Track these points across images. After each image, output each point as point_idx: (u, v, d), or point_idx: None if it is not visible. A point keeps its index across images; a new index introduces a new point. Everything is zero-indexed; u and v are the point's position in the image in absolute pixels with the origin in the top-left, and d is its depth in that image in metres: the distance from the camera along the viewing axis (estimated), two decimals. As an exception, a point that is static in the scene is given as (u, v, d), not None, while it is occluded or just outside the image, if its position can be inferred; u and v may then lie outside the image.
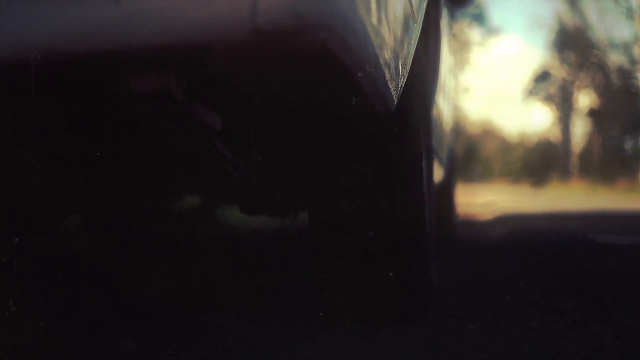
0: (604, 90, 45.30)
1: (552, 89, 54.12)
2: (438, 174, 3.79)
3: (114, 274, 2.67)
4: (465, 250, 4.26)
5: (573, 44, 43.22)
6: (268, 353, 1.70)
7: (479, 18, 43.39)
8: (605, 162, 45.61)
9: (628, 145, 47.19)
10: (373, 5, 1.22)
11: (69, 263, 2.85)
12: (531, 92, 55.69)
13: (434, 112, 2.86)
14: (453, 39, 5.12)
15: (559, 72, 52.90)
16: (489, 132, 79.64)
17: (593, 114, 46.73)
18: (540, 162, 60.55)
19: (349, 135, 1.71)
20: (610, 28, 60.77)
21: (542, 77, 53.59)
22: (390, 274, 1.86)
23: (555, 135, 58.86)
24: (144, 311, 2.07)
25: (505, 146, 75.04)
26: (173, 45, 1.06)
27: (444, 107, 3.88)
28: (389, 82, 1.41)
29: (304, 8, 1.03)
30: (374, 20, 1.24)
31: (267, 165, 1.77)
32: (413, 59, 1.69)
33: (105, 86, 1.20)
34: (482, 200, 12.67)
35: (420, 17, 1.76)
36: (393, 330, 1.81)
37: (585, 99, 51.67)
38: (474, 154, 67.40)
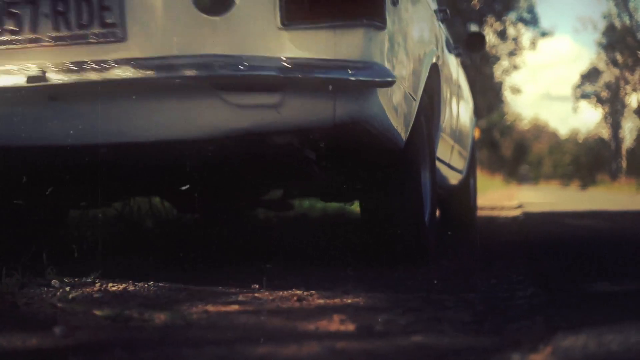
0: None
1: (601, 88, 53.69)
2: (452, 178, 5.34)
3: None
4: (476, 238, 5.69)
5: (622, 43, 42.84)
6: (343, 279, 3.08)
7: (531, 22, 43.40)
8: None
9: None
10: (388, 106, 2.82)
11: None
12: (581, 92, 55.36)
13: (443, 135, 4.44)
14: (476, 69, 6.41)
15: (608, 71, 52.50)
16: (540, 131, 79.44)
17: (642, 112, 46.05)
18: (590, 161, 59.84)
19: (374, 159, 3.20)
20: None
21: (591, 76, 53.21)
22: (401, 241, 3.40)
23: (604, 134, 58.34)
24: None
25: (556, 146, 74.72)
26: (306, 128, 2.68)
27: (458, 131, 5.34)
28: (400, 136, 3.05)
29: (354, 114, 2.63)
30: (390, 113, 2.86)
31: (336, 177, 3.30)
32: (417, 113, 3.32)
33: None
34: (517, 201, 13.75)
35: (418, 94, 3.35)
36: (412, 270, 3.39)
37: (634, 98, 51.21)
38: (525, 156, 67.25)
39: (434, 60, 3.77)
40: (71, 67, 2.62)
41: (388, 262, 3.47)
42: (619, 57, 50.31)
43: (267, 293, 2.67)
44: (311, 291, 2.68)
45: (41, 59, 2.67)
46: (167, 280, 2.88)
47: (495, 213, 9.67)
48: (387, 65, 2.76)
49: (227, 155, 2.87)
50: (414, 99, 3.27)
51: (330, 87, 2.55)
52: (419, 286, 2.91)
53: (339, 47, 2.57)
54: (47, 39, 2.67)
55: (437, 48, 4.06)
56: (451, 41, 5.25)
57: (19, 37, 2.69)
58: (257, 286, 2.79)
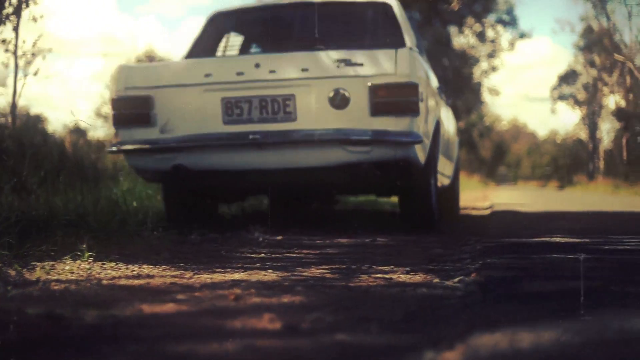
0: (631, 90, 44.96)
1: (579, 90, 53.92)
2: (444, 183, 7.41)
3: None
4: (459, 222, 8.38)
5: (599, 45, 43.06)
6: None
7: (510, 23, 43.52)
8: (630, 163, 45.19)
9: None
10: (418, 149, 5.22)
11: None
12: (558, 93, 55.57)
13: (440, 156, 6.55)
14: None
15: (585, 73, 52.72)
16: (519, 132, 79.76)
17: (619, 114, 46.26)
18: (568, 162, 60.15)
19: (404, 170, 5.43)
20: (636, 30, 60.46)
21: (569, 78, 53.44)
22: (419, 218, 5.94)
23: (582, 135, 58.61)
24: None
25: (535, 147, 75.05)
26: (380, 161, 5.27)
27: (448, 150, 7.64)
28: (421, 161, 5.40)
29: (403, 155, 5.20)
30: (421, 153, 5.34)
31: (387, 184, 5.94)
32: (429, 149, 5.72)
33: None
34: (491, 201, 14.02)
35: (430, 138, 5.68)
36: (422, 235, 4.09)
37: (611, 100, 51.49)
38: (504, 156, 67.53)
39: (437, 120, 6.19)
40: (262, 134, 5.13)
41: (414, 229, 5.80)
42: (596, 59, 50.55)
43: (207, 292, 2.70)
44: (251, 290, 2.71)
45: (250, 128, 5.18)
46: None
47: (467, 212, 10.05)
48: (420, 132, 5.19)
49: (335, 175, 5.37)
50: (428, 142, 5.63)
51: (395, 141, 5.08)
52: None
53: (397, 125, 5.08)
54: (256, 119, 5.19)
55: (439, 111, 6.45)
56: (445, 97, 7.62)
57: (243, 118, 5.21)
58: (198, 284, 2.84)
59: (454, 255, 4.01)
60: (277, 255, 4.02)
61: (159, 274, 3.19)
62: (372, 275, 3.15)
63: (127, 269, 3.36)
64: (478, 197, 19.53)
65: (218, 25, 6.70)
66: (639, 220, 8.38)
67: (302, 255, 4.07)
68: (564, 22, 65.09)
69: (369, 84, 5.06)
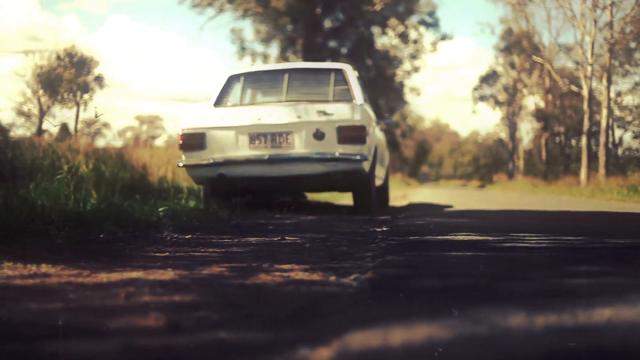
0: (550, 91, 45.78)
1: (499, 91, 54.70)
2: (379, 183, 10.32)
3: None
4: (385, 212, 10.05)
5: (518, 47, 43.69)
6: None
7: (432, 25, 43.82)
8: (549, 161, 46.08)
9: (572, 144, 47.74)
10: (365, 164, 8.48)
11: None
12: (479, 94, 56.27)
13: (377, 165, 9.68)
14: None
15: (506, 74, 53.54)
16: (442, 132, 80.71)
17: (538, 114, 47.07)
18: (488, 162, 61.01)
19: (359, 178, 8.71)
20: (555, 32, 61.45)
21: (489, 79, 54.18)
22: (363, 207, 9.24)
23: (502, 135, 59.54)
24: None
25: (456, 146, 75.98)
26: (344, 171, 8.50)
27: (382, 161, 10.75)
28: (366, 170, 8.62)
29: (356, 167, 8.40)
30: (366, 165, 8.59)
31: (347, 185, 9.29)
32: (371, 162, 9.01)
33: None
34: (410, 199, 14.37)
35: (371, 156, 8.91)
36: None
37: (530, 100, 52.41)
38: (426, 156, 68.28)
39: (375, 144, 9.34)
40: (273, 155, 8.34)
41: (361, 213, 8.75)
42: (516, 61, 51.36)
43: (100, 291, 2.68)
44: (144, 288, 2.70)
45: (265, 152, 8.42)
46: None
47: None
48: (366, 153, 8.38)
49: (313, 182, 8.80)
50: (370, 158, 8.70)
51: (351, 160, 8.29)
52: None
53: (353, 150, 8.27)
54: (269, 146, 8.42)
55: (376, 138, 9.64)
56: (379, 125, 10.85)
57: (261, 145, 8.45)
58: (93, 283, 2.82)
59: (357, 253, 4.06)
60: (181, 254, 4.01)
61: (56, 274, 3.15)
62: (271, 273, 3.16)
63: (25, 268, 3.30)
64: (397, 196, 19.73)
65: (232, 82, 9.75)
66: (546, 218, 8.54)
67: (207, 254, 4.06)
68: (484, 24, 66.01)
69: (337, 125, 8.38)
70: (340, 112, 8.44)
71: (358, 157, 8.28)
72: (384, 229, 6.17)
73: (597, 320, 2.07)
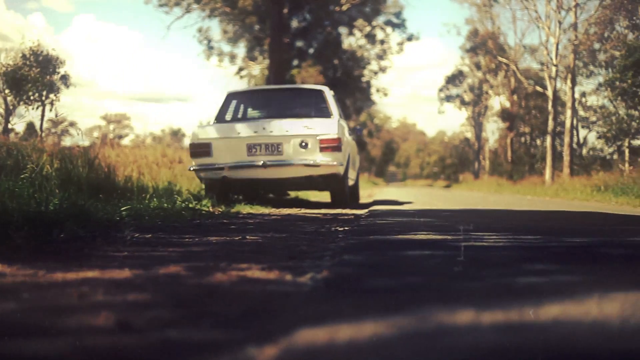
0: (515, 92, 46.09)
1: (465, 91, 55.02)
2: (351, 183, 12.41)
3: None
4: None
5: (484, 48, 43.94)
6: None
7: (399, 26, 43.93)
8: (514, 161, 46.40)
9: (537, 144, 48.11)
10: (341, 168, 10.63)
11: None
12: (446, 94, 56.58)
13: (350, 168, 11.70)
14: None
15: (472, 74, 53.86)
16: (409, 132, 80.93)
17: (504, 114, 47.36)
18: (454, 161, 61.32)
19: (335, 179, 10.90)
20: (520, 33, 61.76)
21: (455, 79, 54.47)
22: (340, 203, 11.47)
23: (468, 135, 59.88)
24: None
25: (423, 146, 76.23)
26: (324, 174, 10.79)
27: (353, 164, 12.80)
28: (341, 173, 10.75)
29: (334, 171, 10.54)
30: (342, 170, 10.70)
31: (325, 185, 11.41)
32: (345, 166, 11.08)
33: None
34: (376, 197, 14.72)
35: (345, 161, 11.00)
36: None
37: (496, 101, 52.81)
38: (393, 156, 68.41)
39: (349, 152, 11.35)
40: (267, 162, 10.37)
41: (337, 207, 10.76)
42: (482, 61, 51.65)
43: (54, 290, 2.67)
44: (98, 288, 2.69)
45: (260, 158, 10.48)
46: None
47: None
48: (341, 160, 10.49)
49: (299, 182, 10.96)
50: (345, 163, 10.78)
51: (329, 165, 10.38)
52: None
53: (331, 157, 10.37)
54: (264, 154, 10.46)
55: (349, 146, 11.65)
56: (352, 134, 13.11)
57: (257, 154, 10.50)
58: (48, 283, 2.81)
59: (316, 252, 4.07)
60: (141, 254, 4.00)
61: (12, 273, 3.12)
62: (227, 273, 3.16)
63: (-20, 268, 3.28)
64: (363, 195, 19.79)
65: (230, 99, 12.00)
66: (507, 218, 8.60)
67: (166, 253, 4.04)
68: (450, 24, 66.47)
69: (318, 137, 10.42)
70: (321, 126, 10.54)
71: (335, 163, 10.35)
72: (346, 228, 6.19)
73: (544, 317, 2.09)
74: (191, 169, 10.86)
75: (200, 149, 10.65)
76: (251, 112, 12.05)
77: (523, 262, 3.54)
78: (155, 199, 9.09)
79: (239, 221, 7.15)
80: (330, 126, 10.53)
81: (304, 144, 10.33)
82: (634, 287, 2.73)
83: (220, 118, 11.59)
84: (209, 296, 2.60)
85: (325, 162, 10.26)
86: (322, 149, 10.32)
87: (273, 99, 12.03)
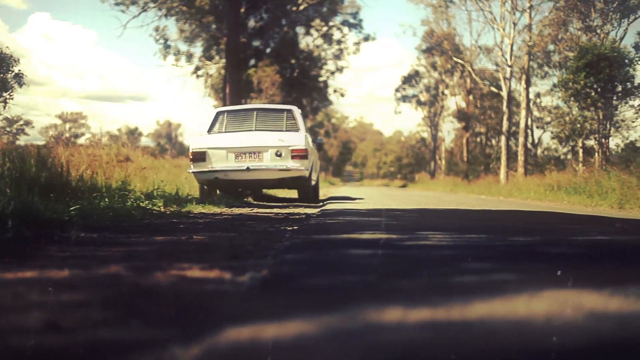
0: (471, 92, 46.41)
1: (421, 92, 55.30)
2: (314, 183, 14.36)
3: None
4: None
5: (440, 49, 44.18)
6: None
7: (355, 26, 43.97)
8: (470, 161, 46.74)
9: (492, 144, 48.48)
10: (308, 172, 12.82)
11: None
12: (402, 94, 56.78)
13: (313, 172, 13.93)
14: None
15: (428, 74, 54.15)
16: (366, 131, 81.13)
17: (460, 114, 47.68)
18: (411, 161, 61.56)
19: (303, 179, 13.00)
20: (476, 34, 62.34)
21: (412, 79, 54.70)
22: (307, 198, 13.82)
23: (425, 134, 60.21)
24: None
25: (380, 146, 76.44)
26: (294, 177, 12.82)
27: (316, 168, 14.93)
28: (308, 175, 12.90)
29: (302, 174, 12.63)
30: (307, 173, 12.83)
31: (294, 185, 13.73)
32: (310, 170, 13.23)
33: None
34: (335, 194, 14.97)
35: (310, 166, 13.21)
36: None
37: (452, 101, 53.15)
38: (350, 155, 68.53)
39: (313, 159, 13.71)
40: (251, 166, 12.42)
41: (303, 205, 12.92)
42: (438, 62, 51.92)
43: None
44: (35, 288, 2.68)
45: (245, 164, 12.55)
46: None
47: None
48: (307, 166, 12.63)
49: (275, 183, 13.07)
50: (310, 168, 12.95)
51: (298, 170, 12.48)
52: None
53: (299, 163, 12.47)
54: (248, 160, 12.56)
55: (314, 154, 14.01)
56: (314, 141, 15.04)
57: (243, 160, 12.57)
58: None
59: (260, 252, 4.07)
60: (84, 254, 3.97)
61: (-51, 274, 3.10)
62: (167, 272, 3.15)
63: None
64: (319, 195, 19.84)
65: (218, 115, 14.07)
66: (456, 217, 8.66)
67: (109, 253, 4.02)
68: (407, 25, 66.74)
69: (290, 148, 12.47)
70: (292, 139, 12.83)
71: (302, 168, 12.63)
72: (295, 227, 6.20)
73: (470, 315, 2.12)
74: (190, 171, 13.20)
75: (197, 156, 12.88)
76: (235, 126, 14.00)
77: (462, 261, 3.57)
78: (106, 199, 9.02)
79: (190, 221, 7.12)
80: (299, 139, 12.87)
81: (279, 153, 12.63)
82: (565, 285, 2.77)
83: (211, 130, 13.85)
84: (145, 296, 2.60)
85: (295, 167, 12.57)
86: (293, 157, 12.63)
87: (253, 116, 14.13)
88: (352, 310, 2.16)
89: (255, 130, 13.61)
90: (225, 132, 13.80)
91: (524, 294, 2.51)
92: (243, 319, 2.09)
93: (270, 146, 12.72)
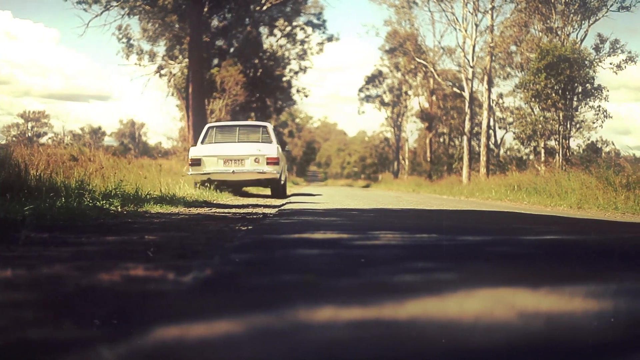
0: (434, 93, 46.63)
1: (384, 92, 55.41)
2: (283, 183, 18.43)
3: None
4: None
5: (403, 49, 44.28)
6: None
7: (318, 26, 43.99)
8: (433, 161, 46.96)
9: (455, 144, 48.77)
10: (279, 174, 17.10)
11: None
12: (365, 94, 56.87)
13: (282, 174, 18.31)
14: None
15: (391, 75, 54.28)
16: (330, 131, 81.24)
17: (423, 115, 47.87)
18: (374, 161, 61.69)
19: (274, 181, 17.33)
20: (439, 35, 62.39)
21: (375, 79, 54.77)
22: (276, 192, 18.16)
23: (389, 135, 60.34)
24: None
25: (344, 146, 76.57)
26: (269, 178, 17.12)
27: (285, 170, 19.85)
28: (279, 177, 17.12)
29: (275, 176, 16.84)
30: (278, 175, 17.02)
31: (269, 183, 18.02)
32: (280, 172, 17.52)
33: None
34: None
35: (281, 169, 17.87)
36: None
37: (416, 101, 53.34)
38: (314, 155, 68.59)
39: (284, 164, 18.89)
40: (235, 170, 16.58)
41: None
42: (401, 62, 52.05)
43: None
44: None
45: (231, 168, 16.68)
46: None
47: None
48: (279, 170, 16.89)
49: (254, 182, 17.29)
50: (281, 171, 17.53)
51: (272, 173, 16.66)
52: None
53: (272, 168, 16.54)
54: (233, 165, 16.76)
55: (283, 160, 18.61)
56: (284, 149, 19.54)
57: (230, 164, 16.76)
58: None
59: (209, 252, 4.06)
60: (31, 254, 3.94)
61: None
62: (112, 272, 3.14)
63: None
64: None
65: (209, 129, 17.83)
66: (412, 217, 8.71)
67: (57, 253, 3.98)
68: (369, 25, 66.80)
69: (265, 156, 16.50)
70: (267, 150, 16.69)
71: (275, 172, 16.48)
72: (249, 227, 6.20)
73: (402, 314, 2.14)
74: (188, 174, 16.82)
75: (194, 162, 16.71)
76: (222, 138, 17.73)
77: (407, 260, 3.60)
78: (63, 198, 8.95)
79: (145, 221, 7.08)
80: (272, 149, 16.81)
81: (257, 159, 16.58)
82: (502, 285, 2.81)
83: (204, 141, 17.58)
84: (83, 296, 2.59)
85: (269, 171, 16.48)
86: (267, 163, 16.53)
87: (236, 130, 17.92)
88: (285, 310, 2.17)
89: (238, 142, 17.47)
90: (215, 142, 17.59)
91: (459, 293, 2.54)
92: (176, 318, 2.10)
93: (250, 154, 16.68)
